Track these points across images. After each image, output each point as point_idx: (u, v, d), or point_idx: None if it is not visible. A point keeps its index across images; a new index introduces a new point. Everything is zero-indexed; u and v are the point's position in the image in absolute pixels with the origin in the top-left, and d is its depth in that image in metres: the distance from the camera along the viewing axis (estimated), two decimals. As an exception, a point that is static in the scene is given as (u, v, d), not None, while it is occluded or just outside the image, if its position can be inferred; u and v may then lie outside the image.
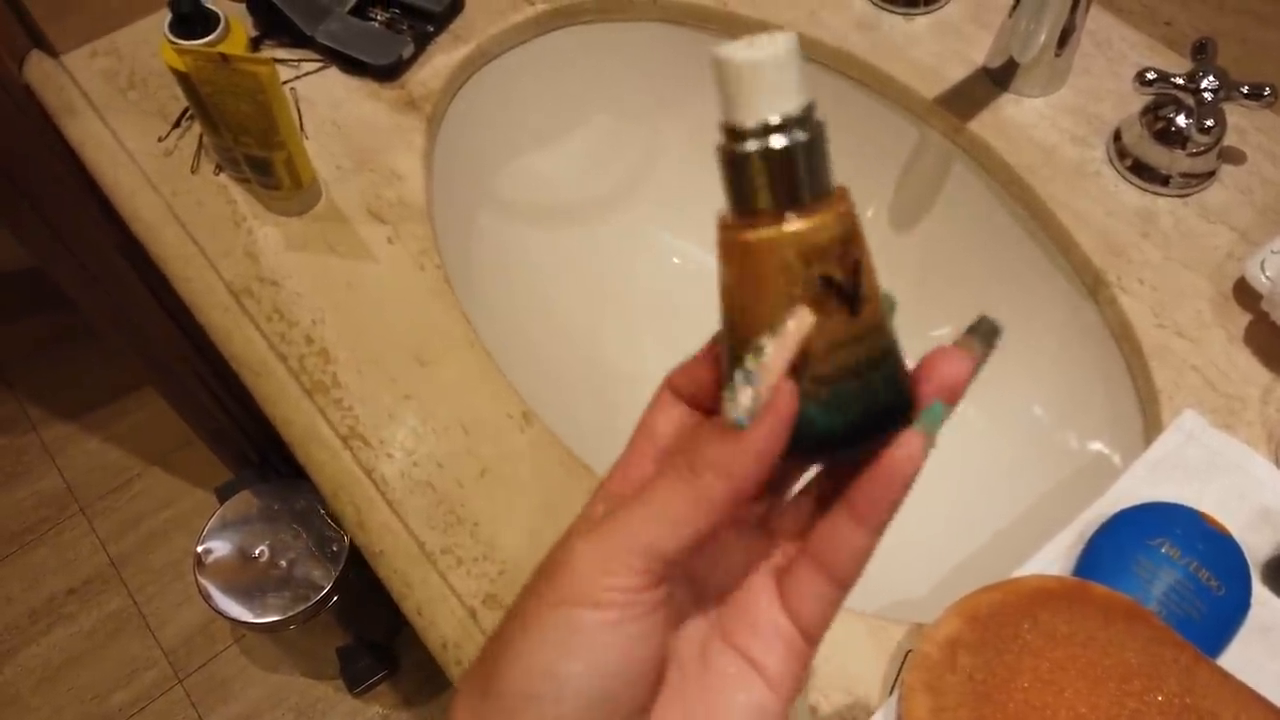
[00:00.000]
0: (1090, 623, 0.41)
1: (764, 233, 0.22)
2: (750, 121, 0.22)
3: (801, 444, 0.23)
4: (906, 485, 0.23)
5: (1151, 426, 0.51)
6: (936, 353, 0.24)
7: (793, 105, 0.22)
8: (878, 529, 0.24)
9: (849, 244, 0.22)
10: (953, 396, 0.23)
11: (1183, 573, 0.43)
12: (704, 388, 0.25)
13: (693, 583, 0.26)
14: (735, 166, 0.22)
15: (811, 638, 0.25)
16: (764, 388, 0.22)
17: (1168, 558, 0.43)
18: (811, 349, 0.22)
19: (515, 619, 0.23)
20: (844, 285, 0.22)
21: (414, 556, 0.48)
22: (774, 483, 0.26)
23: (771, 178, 0.22)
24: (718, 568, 0.26)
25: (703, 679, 0.24)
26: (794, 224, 0.22)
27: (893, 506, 0.23)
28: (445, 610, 0.46)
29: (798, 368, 0.22)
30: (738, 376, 0.22)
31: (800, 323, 0.22)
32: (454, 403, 0.52)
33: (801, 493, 0.26)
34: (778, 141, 0.22)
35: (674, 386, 0.26)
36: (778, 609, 0.25)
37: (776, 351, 0.22)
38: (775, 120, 0.21)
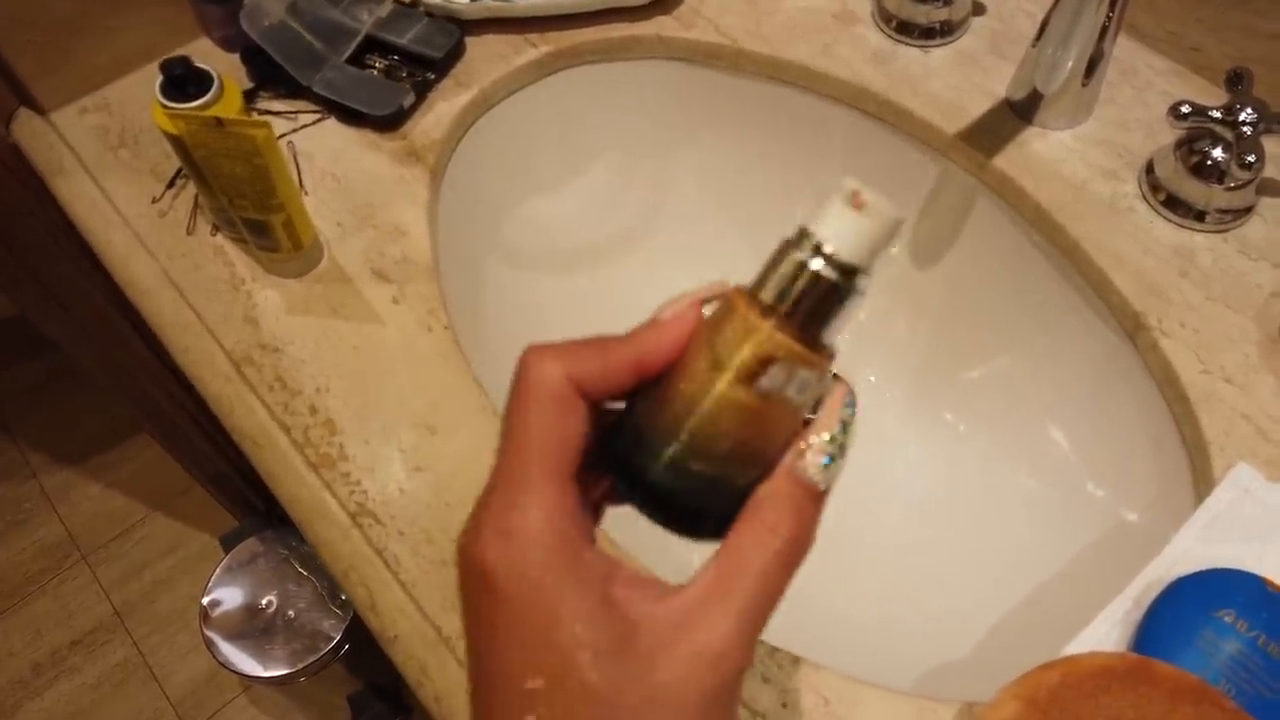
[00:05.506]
0: (1157, 706, 0.38)
1: (752, 316, 0.24)
2: (820, 237, 0.24)
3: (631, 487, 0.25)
4: None
5: (1201, 480, 0.49)
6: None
7: (859, 261, 0.24)
8: None
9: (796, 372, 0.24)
10: None
11: (1250, 646, 0.40)
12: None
13: None
14: (780, 255, 0.24)
15: None
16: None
17: (1233, 629, 0.41)
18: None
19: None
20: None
21: (430, 642, 0.45)
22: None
23: (793, 285, 0.24)
24: None
25: None
26: (776, 328, 0.23)
27: None
28: (465, 700, 0.43)
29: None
30: (831, 450, 0.25)
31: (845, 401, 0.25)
32: (468, 474, 0.49)
33: None
34: (818, 266, 0.23)
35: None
36: None
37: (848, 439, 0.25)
38: (830, 251, 0.23)
